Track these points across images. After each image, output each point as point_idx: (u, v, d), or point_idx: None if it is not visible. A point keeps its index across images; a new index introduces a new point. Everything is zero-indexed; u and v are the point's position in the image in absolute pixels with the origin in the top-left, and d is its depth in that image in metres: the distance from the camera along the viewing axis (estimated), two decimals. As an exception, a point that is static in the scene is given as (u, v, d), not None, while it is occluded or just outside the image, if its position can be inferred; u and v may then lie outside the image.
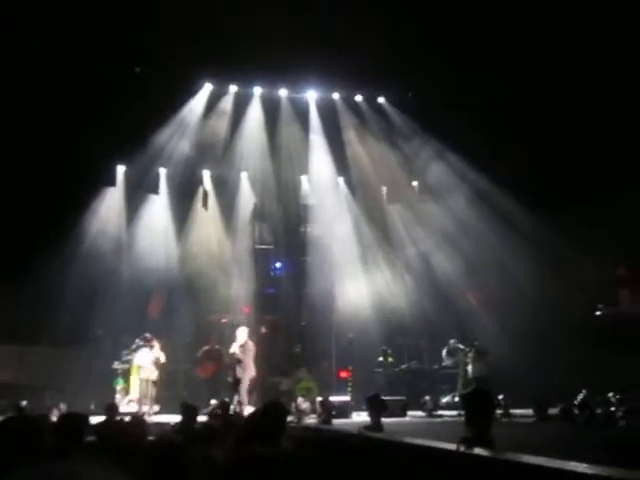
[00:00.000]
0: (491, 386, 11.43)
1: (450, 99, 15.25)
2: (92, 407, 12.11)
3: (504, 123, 14.78)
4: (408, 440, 5.67)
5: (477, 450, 4.70)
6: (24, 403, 11.20)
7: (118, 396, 13.61)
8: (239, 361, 13.15)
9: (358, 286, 16.29)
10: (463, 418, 10.57)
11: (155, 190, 16.78)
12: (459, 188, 16.61)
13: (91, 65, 14.48)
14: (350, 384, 14.79)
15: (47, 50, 13.67)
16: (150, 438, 6.42)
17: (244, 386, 13.11)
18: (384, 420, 8.56)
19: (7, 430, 4.99)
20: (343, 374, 15.70)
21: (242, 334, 13.49)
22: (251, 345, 13.47)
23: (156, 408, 13.28)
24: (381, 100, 17.13)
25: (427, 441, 5.50)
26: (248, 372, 13.22)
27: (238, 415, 10.44)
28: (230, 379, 13.26)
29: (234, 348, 13.32)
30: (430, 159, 16.80)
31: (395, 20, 13.71)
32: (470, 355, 13.70)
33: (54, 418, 7.11)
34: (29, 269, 14.02)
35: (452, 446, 4.89)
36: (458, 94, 15.24)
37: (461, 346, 15.30)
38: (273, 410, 5.05)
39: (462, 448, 4.76)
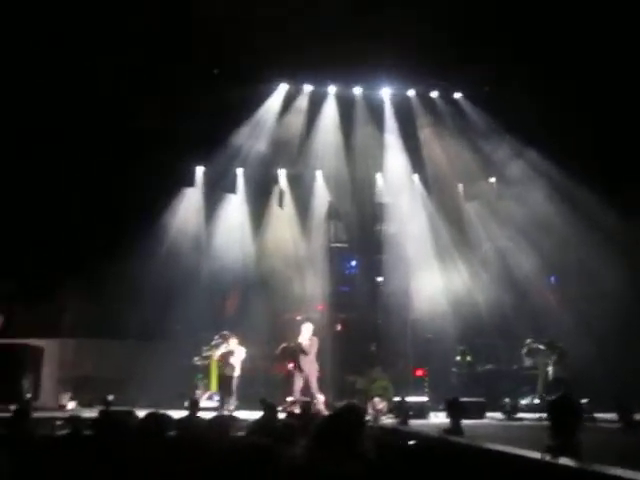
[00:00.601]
0: (573, 389, 11.09)
1: (528, 93, 14.86)
2: (185, 404, 12.37)
3: (584, 118, 14.31)
4: (490, 446, 5.55)
5: (563, 460, 4.57)
6: (111, 397, 11.62)
7: (198, 392, 13.94)
8: (304, 352, 13.21)
9: (434, 284, 16.10)
10: (544, 422, 10.31)
11: (232, 190, 17.13)
12: (538, 184, 16.16)
13: (170, 68, 14.86)
14: (426, 384, 14.64)
15: (126, 54, 14.11)
16: (234, 434, 6.56)
17: (313, 383, 13.19)
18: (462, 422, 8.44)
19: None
20: (419, 373, 15.58)
21: (307, 330, 13.54)
22: (316, 341, 13.51)
23: (235, 404, 13.52)
24: (457, 96, 16.84)
25: (510, 448, 5.37)
26: (313, 367, 13.29)
27: (316, 414, 10.53)
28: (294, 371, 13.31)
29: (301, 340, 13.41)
30: (508, 155, 16.41)
31: (471, 12, 13.49)
32: (553, 356, 13.33)
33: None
34: (112, 266, 14.58)
35: (537, 454, 4.77)
36: (536, 88, 14.82)
37: (541, 346, 14.93)
38: (352, 412, 5.05)
39: (548, 457, 4.64)
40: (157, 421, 5.39)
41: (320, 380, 14.98)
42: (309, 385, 13.17)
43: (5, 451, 5.26)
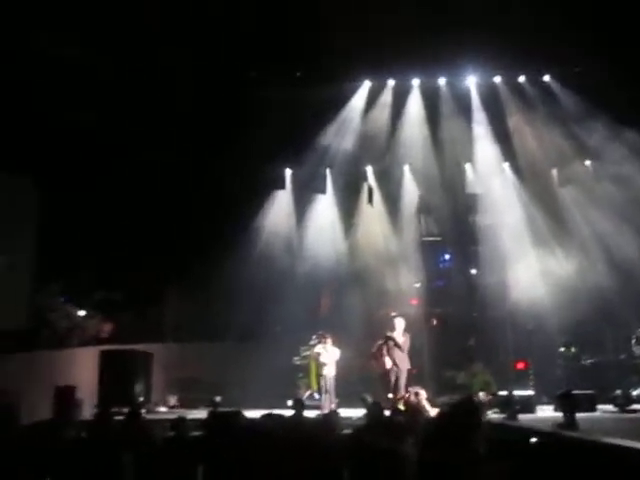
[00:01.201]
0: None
1: (619, 71, 14.21)
2: (289, 403, 12.60)
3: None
4: (610, 440, 5.35)
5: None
6: (218, 398, 11.95)
7: (300, 391, 14.15)
8: (399, 348, 13.13)
9: (532, 274, 15.61)
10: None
11: (322, 190, 17.29)
12: (636, 164, 15.42)
13: (256, 72, 15.15)
14: (531, 377, 14.24)
15: (214, 60, 14.46)
16: (342, 432, 6.62)
17: (403, 379, 13.11)
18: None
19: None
20: (520, 366, 15.19)
21: (400, 325, 13.44)
22: (408, 337, 13.40)
23: (335, 402, 13.64)
24: (546, 78, 16.30)
25: (632, 442, 5.16)
26: (406, 363, 13.19)
27: (420, 410, 10.45)
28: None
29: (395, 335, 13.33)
30: (603, 136, 15.73)
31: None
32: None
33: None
34: (209, 270, 15.04)
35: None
36: (627, 65, 14.15)
37: (650, 334, 14.29)
38: (466, 408, 4.96)
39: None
40: (273, 421, 5.49)
41: (418, 376, 14.92)
42: (401, 381, 13.10)
43: (125, 452, 5.48)
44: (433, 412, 10.31)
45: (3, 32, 12.25)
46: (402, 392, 12.68)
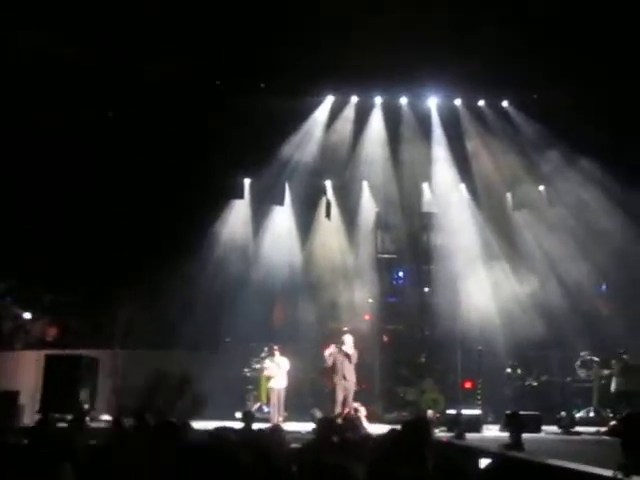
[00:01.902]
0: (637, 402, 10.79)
1: (578, 99, 14.61)
2: (237, 415, 12.46)
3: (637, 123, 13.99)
4: (557, 463, 5.43)
5: (637, 479, 4.44)
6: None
7: (249, 403, 14.03)
8: (349, 361, 13.15)
9: (483, 295, 15.86)
10: (603, 436, 10.06)
11: (280, 201, 17.24)
12: (589, 191, 15.85)
13: (218, 82, 15.09)
14: (479, 396, 14.42)
15: (180, 69, 14.37)
16: (290, 446, 6.56)
17: (351, 395, 13.13)
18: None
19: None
20: (468, 385, 15.36)
21: (349, 341, 13.48)
22: (356, 353, 13.43)
23: (284, 415, 13.56)
24: (505, 104, 16.66)
25: (578, 465, 5.25)
26: (353, 378, 13.22)
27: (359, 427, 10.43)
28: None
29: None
30: (558, 163, 16.13)
31: (515, 18, 13.36)
32: (616, 368, 13.03)
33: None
34: (164, 278, 14.81)
35: (607, 472, 4.65)
36: (586, 94, 14.55)
37: (595, 358, 14.63)
38: (419, 426, 4.98)
39: (620, 476, 4.52)
40: (222, 438, 5.41)
41: (368, 391, 14.98)
42: (349, 396, 13.11)
43: (65, 461, 5.33)
44: (370, 429, 10.34)
45: None
46: (349, 407, 12.68)
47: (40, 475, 5.03)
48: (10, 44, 12.72)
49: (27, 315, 16.23)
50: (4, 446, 5.99)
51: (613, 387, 13.11)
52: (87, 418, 10.39)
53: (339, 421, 9.75)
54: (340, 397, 13.11)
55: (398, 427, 5.12)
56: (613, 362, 13.47)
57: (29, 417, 11.83)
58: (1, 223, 14.64)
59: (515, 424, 7.98)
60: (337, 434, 6.81)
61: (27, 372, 14.32)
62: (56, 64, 13.35)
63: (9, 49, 12.81)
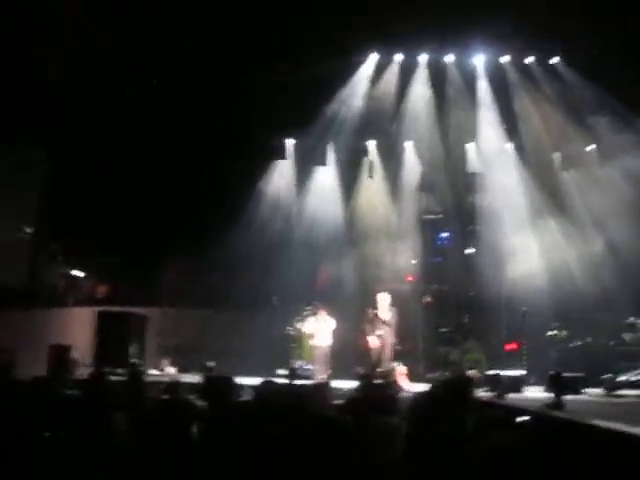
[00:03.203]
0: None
1: (633, 57, 14.10)
2: (279, 372, 12.76)
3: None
4: (597, 422, 5.45)
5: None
6: (212, 364, 12.05)
7: (292, 360, 14.28)
8: (386, 324, 13.24)
9: (529, 256, 15.70)
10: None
11: (323, 162, 17.24)
12: (640, 152, 15.38)
13: (262, 41, 15.01)
14: (524, 357, 14.37)
15: (220, 26, 14.35)
16: (333, 402, 6.70)
17: (386, 353, 13.23)
18: (560, 396, 8.26)
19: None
20: (512, 346, 15.32)
21: (384, 301, 13.50)
22: (395, 312, 13.48)
23: (328, 373, 13.78)
24: (554, 61, 16.18)
25: (618, 424, 5.26)
26: (390, 338, 13.30)
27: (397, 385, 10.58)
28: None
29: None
30: (610, 123, 15.66)
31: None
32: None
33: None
34: (209, 238, 15.09)
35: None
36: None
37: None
38: (458, 385, 5.05)
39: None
40: (269, 388, 5.56)
41: (410, 351, 15.09)
42: (384, 357, 13.21)
43: (122, 412, 5.56)
44: (411, 388, 10.47)
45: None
46: (385, 367, 12.83)
47: (94, 425, 5.28)
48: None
49: (79, 273, 16.75)
50: (59, 397, 6.28)
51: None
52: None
53: (377, 380, 9.93)
54: (375, 357, 13.23)
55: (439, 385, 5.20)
56: None
57: (81, 370, 12.30)
58: (57, 185, 15.13)
59: (557, 385, 7.98)
60: (377, 391, 6.92)
61: (79, 328, 14.83)
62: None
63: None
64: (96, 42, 13.50)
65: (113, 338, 13.64)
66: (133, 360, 13.70)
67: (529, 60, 16.20)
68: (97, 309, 14.92)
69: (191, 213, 15.58)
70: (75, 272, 16.70)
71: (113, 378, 7.88)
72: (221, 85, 14.67)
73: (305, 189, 17.22)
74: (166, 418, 6.06)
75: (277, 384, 6.35)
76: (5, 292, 14.36)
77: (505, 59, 16.25)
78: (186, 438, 5.85)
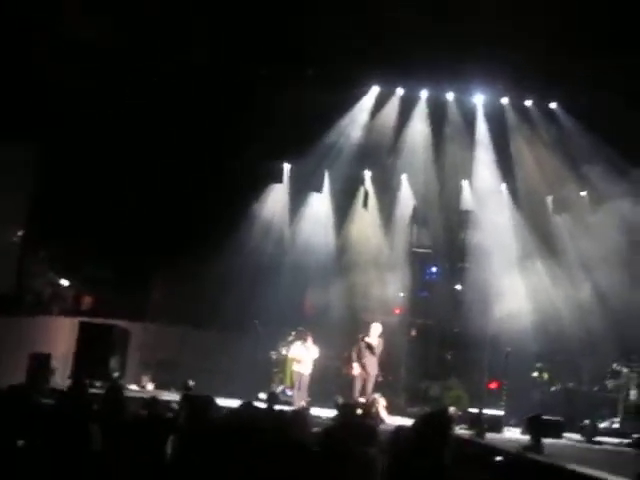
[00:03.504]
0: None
1: (630, 106, 14.30)
2: (260, 395, 12.68)
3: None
4: (575, 467, 5.43)
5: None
6: (192, 383, 11.97)
7: (274, 385, 14.20)
8: (372, 352, 13.19)
9: (516, 296, 15.73)
10: (626, 448, 9.95)
11: (319, 188, 17.33)
12: (634, 203, 15.53)
13: (265, 68, 15.18)
14: (504, 398, 14.35)
15: (226, 55, 14.51)
16: (313, 430, 6.66)
17: (371, 385, 13.18)
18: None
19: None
20: (493, 385, 15.31)
21: (376, 330, 13.51)
22: (381, 343, 13.47)
23: (307, 400, 13.69)
24: (553, 106, 16.43)
25: (596, 471, 5.24)
26: (375, 369, 13.25)
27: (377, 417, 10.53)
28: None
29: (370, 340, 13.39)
30: (604, 170, 15.84)
31: (567, 19, 13.13)
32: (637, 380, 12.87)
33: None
34: (201, 256, 15.07)
35: (625, 481, 4.65)
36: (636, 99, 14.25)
37: (624, 369, 14.39)
38: (439, 420, 5.02)
39: (639, 486, 4.51)
40: (250, 411, 5.53)
41: (392, 384, 15.05)
42: (368, 386, 13.16)
43: (98, 425, 5.50)
44: (390, 420, 10.41)
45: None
46: (367, 397, 12.76)
47: (69, 435, 5.21)
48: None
49: (65, 282, 16.65)
50: (36, 405, 6.21)
51: (633, 399, 12.93)
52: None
53: (358, 410, 9.87)
54: (358, 386, 13.20)
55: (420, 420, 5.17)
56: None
57: (60, 381, 12.17)
58: (47, 187, 15.08)
59: (536, 428, 7.97)
60: (357, 421, 6.89)
61: (61, 337, 14.71)
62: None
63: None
64: (95, 41, 13.52)
65: (94, 350, 13.48)
66: (114, 374, 13.57)
67: (528, 103, 16.44)
68: (80, 319, 14.80)
69: (182, 230, 15.57)
70: (62, 281, 16.59)
71: (92, 390, 7.81)
72: (224, 106, 14.75)
73: (299, 214, 17.27)
74: (143, 433, 6.02)
75: (256, 408, 6.32)
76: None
77: (504, 100, 16.49)
78: (161, 454, 5.80)
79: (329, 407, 11.86)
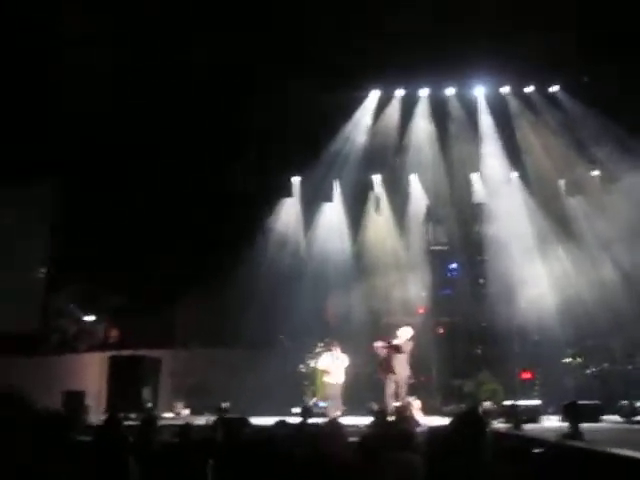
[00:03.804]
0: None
1: (629, 80, 14.23)
2: (294, 410, 12.65)
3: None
4: (615, 451, 5.38)
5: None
6: (226, 405, 12.00)
7: (306, 398, 14.20)
8: (398, 351, 13.10)
9: (539, 284, 15.63)
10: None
11: (329, 198, 17.39)
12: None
13: (265, 79, 15.25)
14: (537, 387, 14.24)
15: (229, 65, 14.58)
16: (348, 440, 6.66)
17: (403, 387, 13.11)
18: (578, 425, 8.16)
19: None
20: (526, 376, 15.20)
21: (404, 333, 13.42)
22: (410, 345, 13.37)
23: (341, 410, 13.67)
24: (554, 89, 16.37)
25: (637, 452, 5.19)
26: (405, 370, 13.20)
27: (411, 419, 10.45)
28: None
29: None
30: (612, 147, 15.75)
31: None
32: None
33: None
34: (220, 278, 15.16)
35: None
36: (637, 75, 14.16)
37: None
38: (471, 418, 5.01)
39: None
40: (285, 428, 5.56)
41: (425, 384, 14.97)
42: (401, 390, 13.09)
43: (134, 457, 5.56)
44: (426, 422, 10.34)
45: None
46: (401, 400, 12.68)
47: (108, 470, 5.27)
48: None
49: (90, 318, 16.81)
50: (73, 443, 6.27)
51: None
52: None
53: (393, 415, 9.83)
54: (390, 390, 13.07)
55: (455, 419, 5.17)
56: None
57: (95, 417, 12.25)
58: (67, 229, 15.24)
59: (573, 414, 7.90)
60: (392, 427, 6.88)
61: (92, 373, 14.83)
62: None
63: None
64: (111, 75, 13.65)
65: (126, 382, 13.60)
66: (147, 404, 13.65)
67: (529, 89, 16.40)
68: (109, 354, 14.92)
69: (200, 252, 15.69)
70: (85, 316, 16.75)
71: (127, 423, 7.87)
72: (226, 122, 14.85)
73: (312, 225, 17.35)
74: (177, 461, 6.06)
75: (290, 424, 6.35)
76: (17, 338, 14.40)
77: (505, 89, 16.46)
78: (202, 478, 5.84)
79: (364, 415, 11.82)
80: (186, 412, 14.74)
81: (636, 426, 11.64)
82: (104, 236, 15.53)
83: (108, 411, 12.42)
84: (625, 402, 12.63)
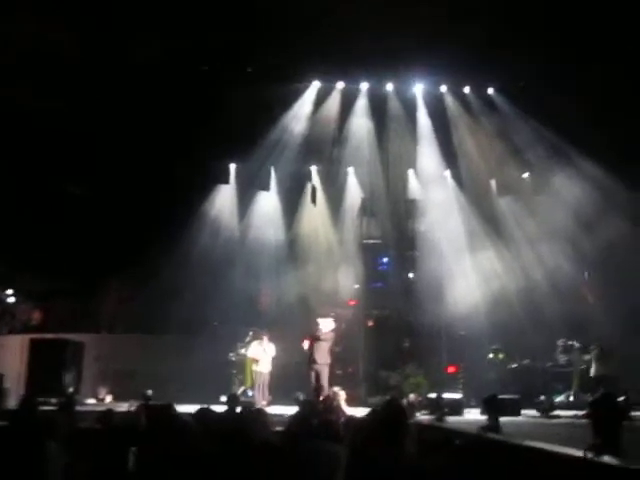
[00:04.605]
0: (615, 387, 11.01)
1: (564, 88, 14.69)
2: (222, 399, 12.53)
3: (623, 112, 14.09)
4: (530, 444, 5.57)
5: (606, 458, 4.58)
6: (150, 392, 11.81)
7: (234, 387, 14.13)
8: (318, 340, 13.19)
9: (467, 280, 16.02)
10: (581, 420, 10.25)
11: (266, 187, 17.31)
12: (575, 181, 15.97)
13: (204, 67, 15.04)
14: (461, 381, 14.61)
15: (163, 53, 14.31)
16: (274, 429, 6.66)
17: (325, 377, 13.21)
18: (497, 418, 8.41)
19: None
20: (451, 369, 15.56)
21: (325, 325, 13.51)
22: (332, 336, 13.49)
23: (268, 399, 13.68)
24: (490, 91, 16.75)
25: (551, 445, 5.39)
26: (326, 360, 13.30)
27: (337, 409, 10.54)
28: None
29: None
30: (543, 151, 16.25)
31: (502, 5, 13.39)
32: (593, 353, 13.28)
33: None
34: (151, 263, 14.88)
35: (578, 452, 4.78)
36: (571, 81, 14.63)
37: (576, 344, 14.84)
38: (393, 409, 5.09)
39: (590, 455, 4.65)
40: (206, 416, 5.50)
41: (352, 375, 15.13)
42: (322, 379, 13.17)
43: (50, 441, 5.40)
44: (350, 413, 10.44)
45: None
46: (325, 390, 12.75)
47: (25, 455, 5.10)
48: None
49: (12, 299, 16.23)
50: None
51: (592, 372, 13.38)
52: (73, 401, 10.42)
53: (319, 405, 9.88)
54: (312, 380, 13.18)
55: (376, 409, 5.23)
56: (591, 347, 13.75)
57: (14, 400, 11.85)
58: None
59: (493, 407, 8.13)
60: (318, 417, 6.90)
61: (12, 356, 14.34)
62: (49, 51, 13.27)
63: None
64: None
65: (47, 366, 13.17)
66: (69, 389, 13.28)
67: (466, 90, 16.72)
68: (30, 336, 14.44)
69: (131, 237, 15.35)
70: (8, 298, 16.16)
71: (46, 408, 7.64)
72: (165, 107, 14.53)
73: (248, 213, 17.25)
74: (98, 447, 5.93)
75: (214, 412, 6.29)
76: None
77: (443, 88, 16.73)
78: (122, 465, 5.73)
79: (291, 404, 11.85)
80: (109, 398, 14.42)
81: (553, 420, 12.10)
82: (26, 218, 14.98)
83: (24, 395, 12.02)
84: (543, 397, 13.12)
